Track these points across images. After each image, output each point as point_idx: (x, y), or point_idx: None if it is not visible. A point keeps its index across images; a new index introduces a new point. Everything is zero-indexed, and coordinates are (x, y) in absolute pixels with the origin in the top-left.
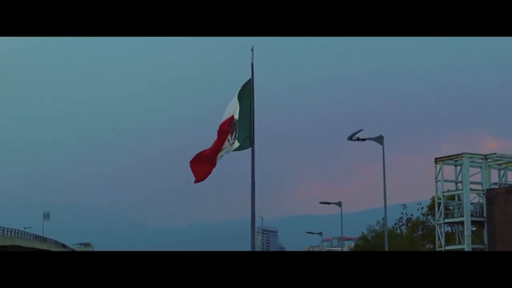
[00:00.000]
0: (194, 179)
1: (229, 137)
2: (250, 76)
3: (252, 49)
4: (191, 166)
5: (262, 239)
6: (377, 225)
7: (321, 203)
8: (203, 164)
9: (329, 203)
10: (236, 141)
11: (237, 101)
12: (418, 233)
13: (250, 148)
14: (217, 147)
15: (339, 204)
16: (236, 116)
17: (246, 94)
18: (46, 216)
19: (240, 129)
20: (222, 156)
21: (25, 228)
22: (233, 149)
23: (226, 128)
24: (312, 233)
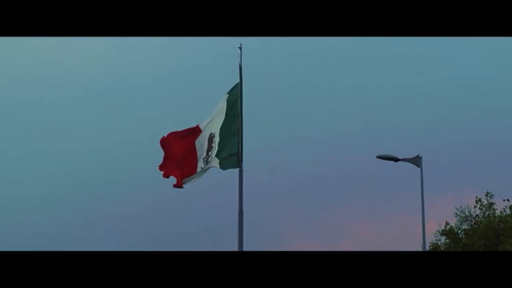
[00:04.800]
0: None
1: (204, 154)
2: (238, 80)
3: (240, 47)
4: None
5: None
6: (476, 206)
7: None
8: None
9: None
10: (215, 158)
11: (223, 109)
12: None
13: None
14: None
15: None
16: (216, 131)
17: (234, 104)
18: None
19: (224, 146)
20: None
21: None
22: (211, 166)
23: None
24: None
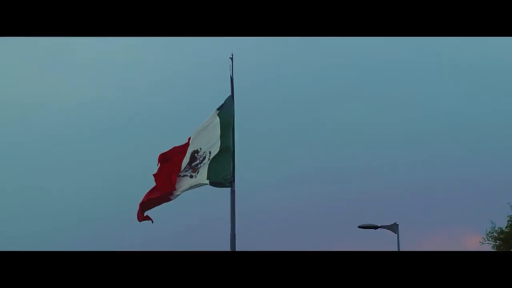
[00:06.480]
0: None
1: (188, 168)
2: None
3: (231, 58)
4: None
5: None
6: None
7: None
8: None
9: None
10: (203, 177)
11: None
12: None
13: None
14: (171, 174)
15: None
16: (203, 146)
17: (227, 120)
18: None
19: (216, 164)
20: (180, 193)
21: None
22: (200, 183)
23: (182, 151)
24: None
